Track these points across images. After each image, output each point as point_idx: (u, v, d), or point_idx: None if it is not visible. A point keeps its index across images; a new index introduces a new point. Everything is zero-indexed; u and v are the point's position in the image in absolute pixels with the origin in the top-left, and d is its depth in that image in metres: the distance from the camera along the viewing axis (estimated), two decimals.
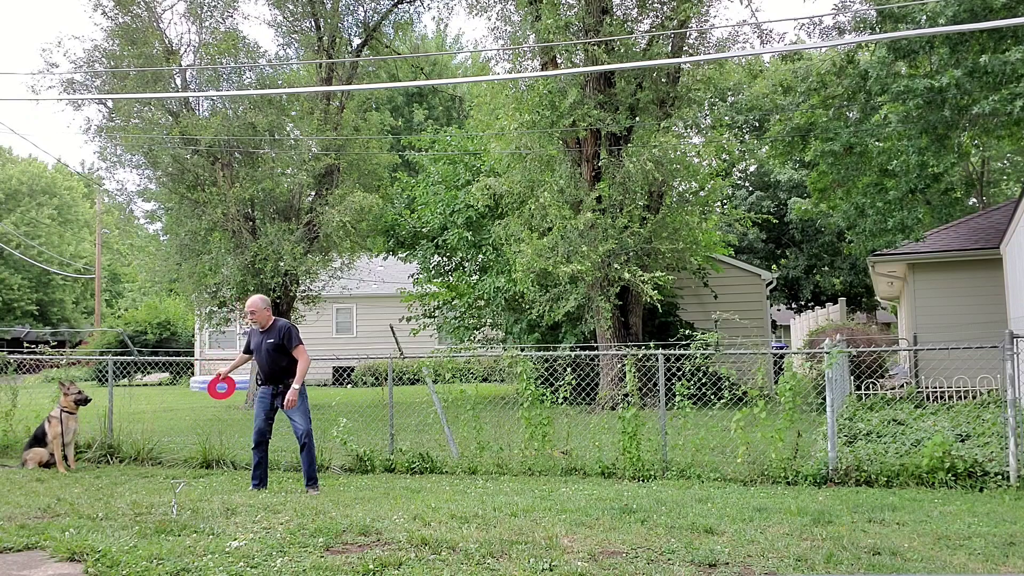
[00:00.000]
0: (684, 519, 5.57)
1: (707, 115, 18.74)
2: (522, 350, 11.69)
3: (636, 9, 15.71)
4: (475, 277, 18.91)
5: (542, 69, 15.00)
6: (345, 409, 11.63)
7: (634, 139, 14.87)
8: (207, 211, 16.71)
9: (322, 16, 18.27)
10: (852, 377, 13.43)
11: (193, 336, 30.92)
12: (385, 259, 23.22)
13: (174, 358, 13.28)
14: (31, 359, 12.04)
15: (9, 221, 43.42)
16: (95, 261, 38.25)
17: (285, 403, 7.38)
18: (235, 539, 4.88)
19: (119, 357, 12.15)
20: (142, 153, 17.10)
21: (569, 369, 9.51)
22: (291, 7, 18.50)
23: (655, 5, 15.45)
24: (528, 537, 4.90)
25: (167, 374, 28.42)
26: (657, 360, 8.49)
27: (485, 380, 13.73)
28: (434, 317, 20.22)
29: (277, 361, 7.49)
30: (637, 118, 15.02)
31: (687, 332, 9.97)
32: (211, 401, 19.05)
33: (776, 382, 8.66)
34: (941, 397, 13.51)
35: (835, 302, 26.05)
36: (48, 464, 8.80)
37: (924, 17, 12.72)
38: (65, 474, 8.46)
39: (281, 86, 19.06)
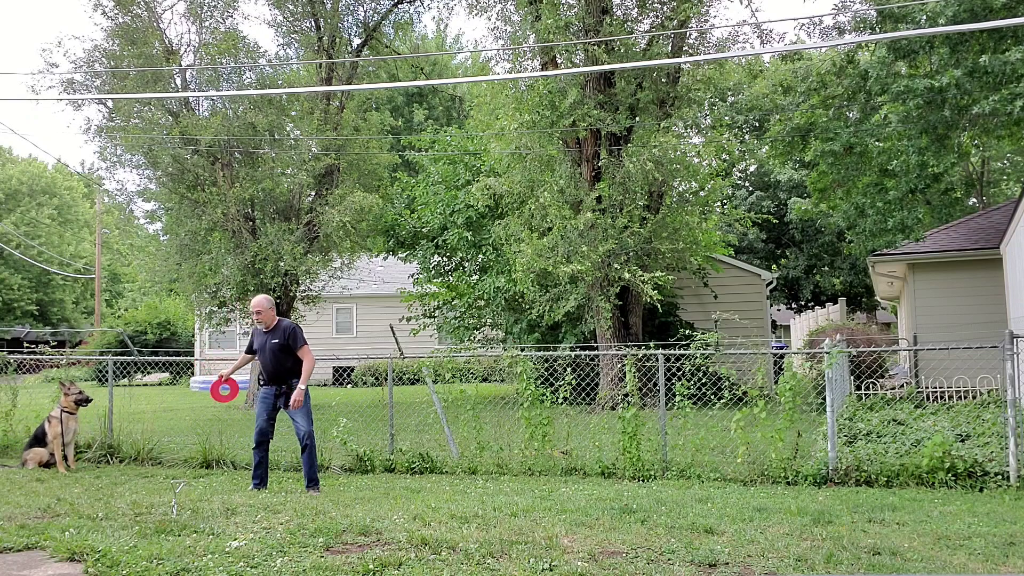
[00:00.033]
0: (684, 519, 5.57)
1: (707, 115, 18.74)
2: (522, 350, 11.69)
3: (636, 9, 15.71)
4: (475, 277, 18.91)
5: (542, 69, 15.00)
6: (345, 409, 11.63)
7: (634, 139, 14.87)
8: (207, 211, 16.71)
9: (322, 16, 18.27)
10: (852, 377, 13.43)
11: (193, 336, 30.92)
12: (385, 259, 23.22)
13: (174, 358, 13.29)
14: (31, 359, 12.04)
15: (9, 221, 43.42)
16: (95, 261, 38.26)
17: (291, 403, 7.36)
18: (235, 539, 4.87)
19: (119, 357, 12.15)
20: (142, 153, 17.10)
21: (569, 369, 9.51)
22: (291, 7, 18.50)
23: (655, 5, 15.45)
24: (528, 537, 4.90)
25: (167, 374, 28.43)
26: (657, 360, 8.49)
27: (485, 380, 13.74)
28: (434, 317, 20.22)
29: (282, 362, 7.47)
30: (637, 118, 15.02)
31: (687, 332, 9.97)
32: (211, 401, 19.03)
33: (776, 382, 8.66)
34: (941, 397, 13.51)
35: (835, 302, 26.05)
36: (48, 464, 8.80)
37: (924, 17, 12.72)
38: (65, 474, 8.46)
39: (281, 86, 19.06)
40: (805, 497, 6.79)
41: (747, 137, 31.84)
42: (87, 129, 17.47)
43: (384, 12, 19.41)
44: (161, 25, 17.27)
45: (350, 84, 18.12)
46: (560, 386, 9.05)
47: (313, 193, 18.53)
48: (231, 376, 8.05)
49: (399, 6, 19.69)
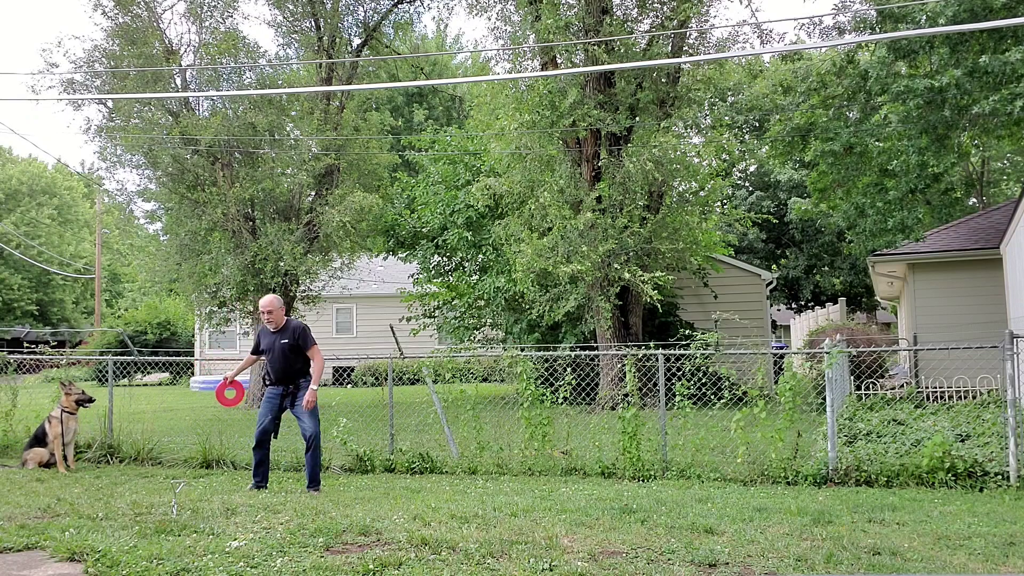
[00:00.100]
0: (684, 519, 5.57)
1: (707, 115, 18.74)
2: (522, 350, 11.69)
3: (636, 9, 15.72)
4: (475, 277, 18.91)
5: (542, 69, 15.00)
6: (345, 409, 11.63)
7: (634, 139, 14.87)
8: (207, 211, 16.71)
9: (322, 16, 18.27)
10: (852, 377, 13.43)
11: (193, 336, 30.93)
12: (385, 259, 23.22)
13: (174, 358, 13.29)
14: (31, 359, 12.04)
15: (9, 221, 43.42)
16: (95, 261, 38.26)
17: (304, 403, 7.33)
18: (235, 539, 4.87)
19: (119, 357, 12.15)
20: (142, 153, 17.10)
21: (569, 369, 9.51)
22: (291, 7, 18.50)
23: (655, 5, 15.45)
24: (528, 537, 4.90)
25: (167, 374, 28.43)
26: (657, 360, 8.49)
27: (485, 380, 13.74)
28: (434, 317, 20.22)
29: (292, 362, 7.44)
30: (637, 118, 15.02)
31: (687, 332, 9.97)
32: (211, 401, 19.03)
33: (776, 382, 8.66)
34: (941, 397, 13.51)
35: (835, 302, 26.05)
36: (48, 464, 8.80)
37: (924, 17, 12.72)
38: (65, 474, 8.46)
39: (281, 86, 19.06)
40: (805, 497, 6.79)
41: (747, 137, 31.84)
42: (87, 129, 17.48)
43: (384, 12, 19.42)
44: (161, 25, 17.27)
45: (350, 84, 18.12)
46: (560, 386, 9.05)
47: (313, 193, 18.53)
48: (236, 378, 8.00)
49: (399, 6, 19.69)
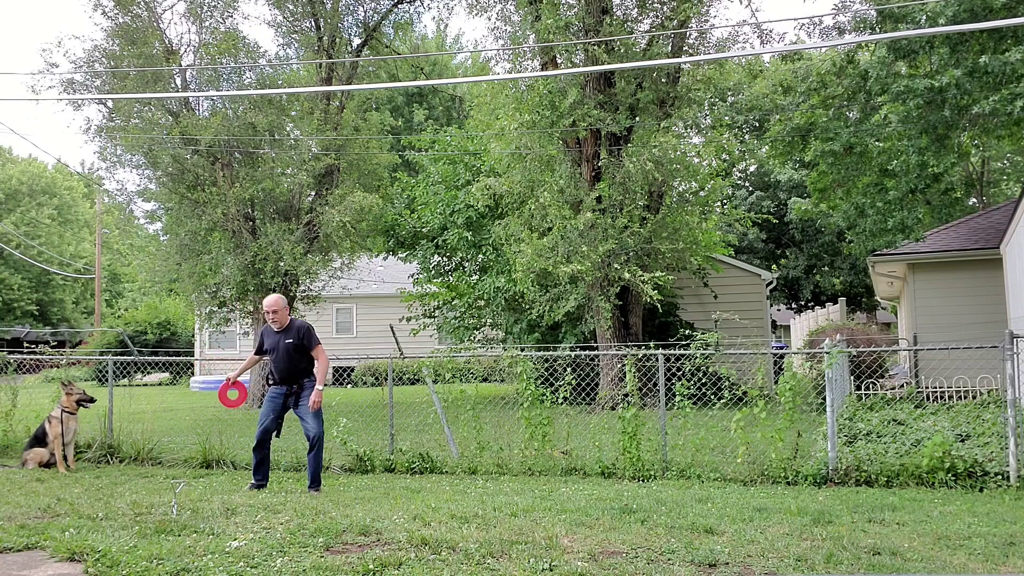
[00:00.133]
0: (684, 519, 5.57)
1: (707, 115, 18.74)
2: (522, 350, 11.69)
3: (636, 9, 15.72)
4: (475, 277, 18.91)
5: (542, 69, 15.00)
6: (345, 409, 11.63)
7: (634, 139, 14.87)
8: (207, 211, 16.71)
9: (322, 16, 18.28)
10: (852, 377, 13.43)
11: (193, 336, 30.93)
12: (385, 259, 23.22)
13: (174, 358, 13.28)
14: (31, 359, 12.04)
15: (9, 221, 43.42)
16: (95, 261, 38.26)
17: (310, 404, 7.31)
18: (235, 539, 4.87)
19: (119, 357, 12.15)
20: (142, 153, 17.11)
21: (569, 369, 9.51)
22: (291, 7, 18.51)
23: (655, 5, 15.45)
24: (528, 537, 4.90)
25: (167, 374, 28.43)
26: (657, 360, 8.49)
27: (485, 380, 13.74)
28: (434, 317, 20.22)
29: (297, 362, 7.42)
30: (637, 118, 15.02)
31: (687, 332, 9.97)
32: (211, 401, 19.03)
33: (776, 382, 8.66)
34: (941, 397, 13.51)
35: (835, 302, 26.06)
36: (48, 464, 8.80)
37: (924, 17, 12.72)
38: (65, 474, 8.46)
39: (281, 86, 19.06)
40: (805, 497, 6.79)
41: (747, 137, 31.85)
42: (87, 129, 17.49)
43: (384, 12, 19.42)
44: (161, 25, 17.28)
45: (350, 84, 18.13)
46: (560, 386, 9.05)
47: (313, 193, 18.54)
48: (238, 379, 7.98)
49: (399, 6, 19.69)
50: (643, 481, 7.91)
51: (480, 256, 18.52)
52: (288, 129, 18.86)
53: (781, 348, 32.19)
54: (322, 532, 5.04)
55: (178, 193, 17.09)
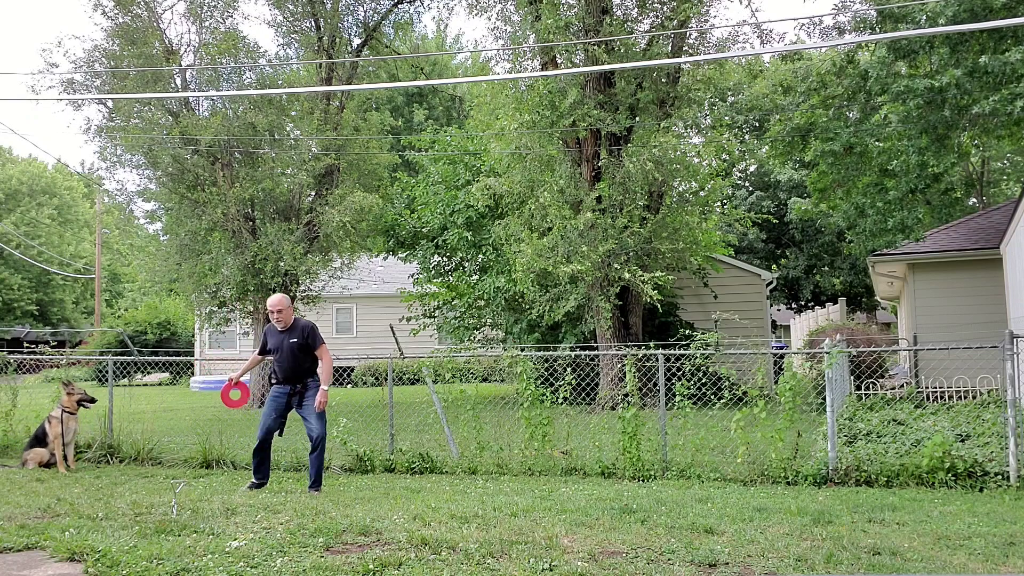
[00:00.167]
0: (684, 519, 5.57)
1: (707, 115, 18.74)
2: (522, 350, 11.69)
3: (636, 9, 15.72)
4: (475, 277, 18.91)
5: (542, 69, 15.00)
6: (345, 409, 11.64)
7: (634, 139, 14.87)
8: (207, 211, 16.71)
9: (322, 16, 18.28)
10: (852, 377, 13.43)
11: (193, 336, 30.93)
12: (385, 259, 23.22)
13: (174, 358, 13.27)
14: (31, 359, 12.04)
15: (9, 221, 43.42)
16: (95, 261, 38.27)
17: (316, 405, 7.30)
18: (235, 539, 4.87)
19: (119, 357, 12.15)
20: (142, 153, 17.11)
21: (569, 369, 9.51)
22: (291, 7, 18.51)
23: (655, 5, 15.45)
24: (528, 537, 4.90)
25: (167, 374, 28.43)
26: (657, 360, 8.49)
27: (485, 380, 13.73)
28: (434, 317, 20.22)
29: (301, 361, 7.40)
30: (637, 118, 15.02)
31: (687, 332, 9.97)
32: (211, 401, 19.04)
33: (776, 382, 8.66)
34: (941, 397, 13.51)
35: (835, 302, 26.06)
36: (49, 464, 8.80)
37: (924, 17, 12.71)
38: (65, 474, 8.46)
39: (281, 86, 19.07)
40: (805, 497, 6.79)
41: (747, 137, 31.85)
42: (87, 129, 17.50)
43: (384, 12, 19.42)
44: (161, 25, 17.28)
45: (350, 84, 18.13)
46: (560, 386, 9.05)
47: (313, 193, 18.54)
48: (240, 379, 7.96)
49: (399, 6, 19.70)
50: (643, 481, 7.91)
51: (480, 256, 18.52)
52: (288, 129, 18.86)
53: (781, 348, 32.19)
54: (322, 532, 5.04)
55: (178, 193, 17.09)
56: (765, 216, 23.32)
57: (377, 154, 19.51)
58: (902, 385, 15.38)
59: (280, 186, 18.06)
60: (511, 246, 15.11)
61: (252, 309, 18.20)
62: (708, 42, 15.59)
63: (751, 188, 38.31)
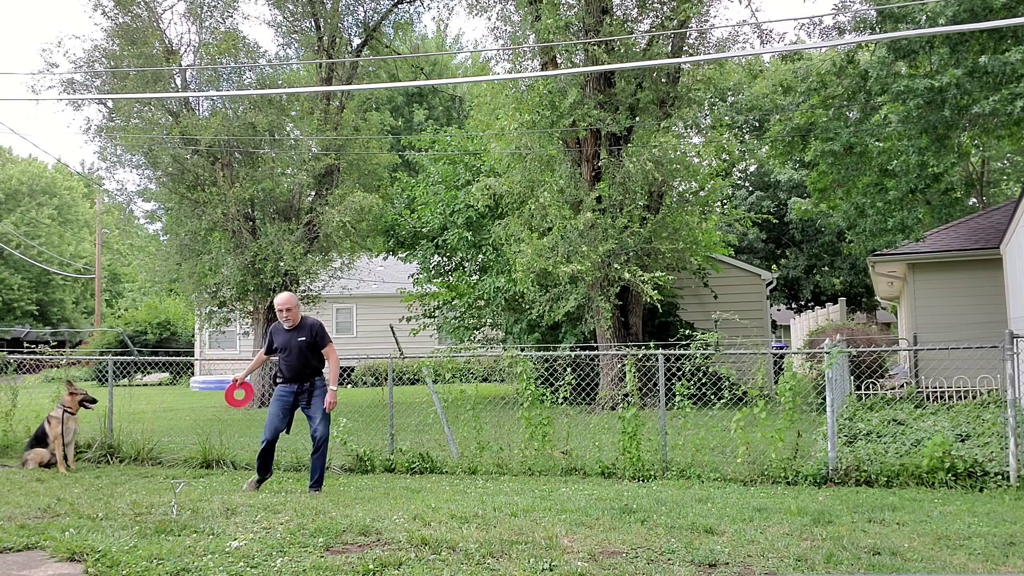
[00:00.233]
0: (684, 519, 5.57)
1: (707, 115, 18.74)
2: (522, 350, 11.69)
3: (636, 9, 15.72)
4: (475, 277, 18.91)
5: (542, 69, 15.00)
6: (345, 409, 11.63)
7: (634, 139, 14.87)
8: (207, 211, 16.71)
9: (322, 16, 18.28)
10: (852, 377, 13.43)
11: (193, 336, 30.93)
12: (385, 259, 23.22)
13: (174, 358, 13.27)
14: (31, 359, 12.04)
15: (9, 221, 43.42)
16: (95, 261, 38.27)
17: (326, 405, 7.29)
18: (235, 539, 4.87)
19: (119, 357, 12.15)
20: (142, 153, 17.11)
21: (569, 369, 9.51)
22: (291, 7, 18.51)
23: (655, 5, 15.45)
24: (528, 537, 4.90)
25: (167, 374, 28.43)
26: (657, 360, 8.49)
27: (485, 380, 13.74)
28: (434, 317, 20.21)
29: (309, 360, 7.38)
30: (637, 118, 15.02)
31: (687, 332, 9.97)
32: (211, 401, 19.06)
33: (776, 382, 8.66)
34: (941, 397, 13.51)
35: (835, 302, 26.06)
36: (49, 464, 8.81)
37: (924, 17, 12.71)
38: (65, 474, 8.46)
39: (281, 86, 19.07)
40: (805, 497, 6.79)
41: (747, 137, 31.85)
42: (87, 129, 17.50)
43: (384, 12, 19.43)
44: (161, 25, 17.28)
45: (350, 84, 18.13)
46: (560, 386, 9.05)
47: (313, 193, 18.54)
48: (245, 379, 7.95)
49: (399, 6, 19.70)
50: (643, 481, 7.91)
51: (480, 256, 18.52)
52: (288, 129, 18.87)
53: (781, 348, 32.19)
54: (322, 532, 5.04)
55: (178, 193, 17.10)
56: (765, 216, 23.32)
57: (377, 154, 19.51)
58: (902, 385, 15.38)
59: (280, 186, 18.06)
60: (511, 246, 15.11)
61: (252, 309, 18.20)
62: (708, 42, 15.59)
63: (751, 188, 38.31)
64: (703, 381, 8.78)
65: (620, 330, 15.28)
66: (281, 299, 7.44)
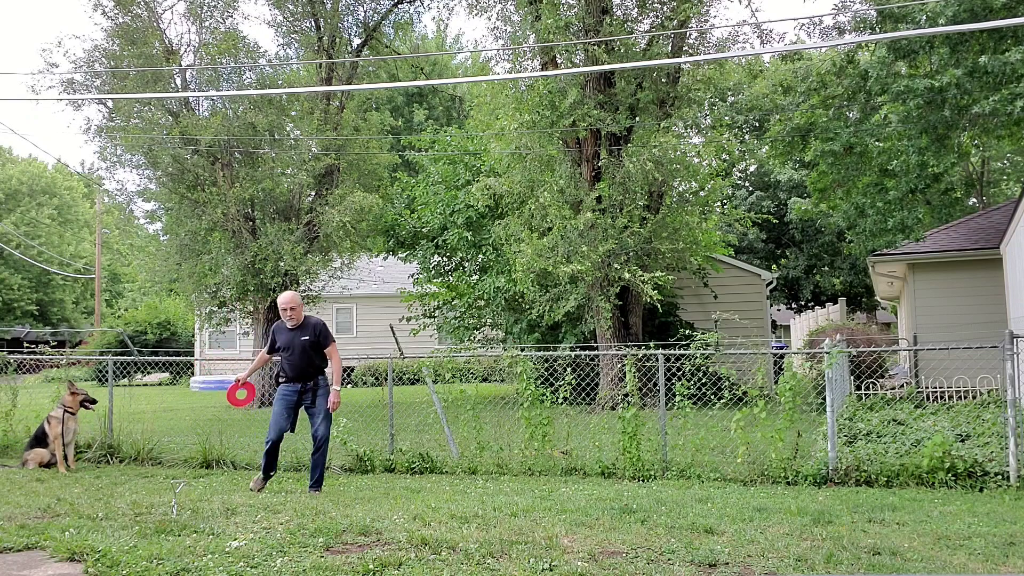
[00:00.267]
0: (684, 519, 5.57)
1: (707, 115, 18.73)
2: (522, 350, 11.69)
3: (636, 9, 15.72)
4: (475, 277, 18.91)
5: (542, 69, 15.00)
6: (345, 409, 11.60)
7: (634, 139, 14.87)
8: (207, 211, 16.72)
9: (322, 16, 18.28)
10: (852, 377, 13.43)
11: (193, 336, 30.93)
12: (385, 259, 23.22)
13: (174, 358, 13.27)
14: (31, 359, 12.04)
15: (9, 221, 43.42)
16: (95, 261, 38.26)
17: (330, 405, 7.28)
18: (235, 539, 4.87)
19: (119, 357, 12.15)
20: (142, 153, 17.12)
21: (569, 369, 9.51)
22: (291, 7, 18.52)
23: (655, 5, 15.45)
24: (528, 537, 4.90)
25: (167, 374, 28.43)
26: (657, 360, 8.49)
27: (485, 380, 13.74)
28: (434, 317, 20.21)
29: (312, 359, 7.36)
30: (637, 118, 15.02)
31: (687, 332, 9.97)
32: (211, 401, 19.07)
33: (776, 382, 8.66)
34: (941, 397, 13.51)
35: (835, 302, 26.06)
36: (49, 464, 8.81)
37: (924, 17, 12.71)
38: (65, 474, 8.46)
39: (281, 86, 19.07)
40: (805, 497, 6.79)
41: (747, 137, 31.85)
42: (87, 129, 17.51)
43: (384, 12, 19.43)
44: (161, 25, 17.29)
45: (350, 84, 18.14)
46: (560, 386, 9.05)
47: (313, 193, 18.54)
48: (248, 379, 7.94)
49: (399, 6, 19.70)
50: (643, 481, 7.91)
51: (480, 256, 18.52)
52: (288, 129, 18.87)
53: (781, 348, 32.19)
54: (322, 532, 5.04)
55: (178, 193, 17.10)
56: (765, 216, 23.32)
57: (377, 154, 19.51)
58: (902, 385, 15.38)
59: (280, 186, 18.06)
60: (511, 246, 15.10)
61: (252, 309, 18.21)
62: (708, 42, 15.59)
63: (751, 188, 38.31)
64: (703, 381, 8.78)
65: (620, 330, 15.28)
66: (285, 298, 7.43)
